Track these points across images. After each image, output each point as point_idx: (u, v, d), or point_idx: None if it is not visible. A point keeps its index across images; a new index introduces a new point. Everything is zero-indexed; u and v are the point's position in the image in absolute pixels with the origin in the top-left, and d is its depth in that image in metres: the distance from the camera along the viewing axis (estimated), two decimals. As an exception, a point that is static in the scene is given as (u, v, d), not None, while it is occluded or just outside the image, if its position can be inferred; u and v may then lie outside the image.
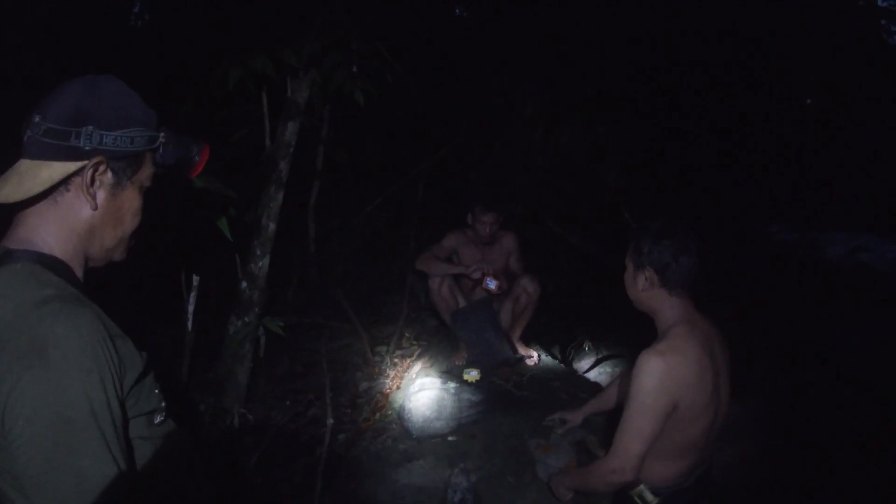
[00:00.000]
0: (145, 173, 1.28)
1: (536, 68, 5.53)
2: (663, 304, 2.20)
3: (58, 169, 1.15)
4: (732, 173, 9.85)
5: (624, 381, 2.66)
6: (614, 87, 5.80)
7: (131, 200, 1.27)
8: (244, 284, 3.49)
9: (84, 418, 1.02)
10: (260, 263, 3.49)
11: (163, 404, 1.27)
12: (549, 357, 4.52)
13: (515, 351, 4.30)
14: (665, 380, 2.02)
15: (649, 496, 2.16)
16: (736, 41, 8.88)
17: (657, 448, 2.11)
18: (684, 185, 8.89)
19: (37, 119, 1.15)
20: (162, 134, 1.28)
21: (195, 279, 3.24)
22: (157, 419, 1.26)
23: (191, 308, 3.34)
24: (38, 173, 1.14)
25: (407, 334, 4.80)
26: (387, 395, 3.95)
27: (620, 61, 5.93)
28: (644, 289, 2.21)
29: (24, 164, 1.16)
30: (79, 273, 1.22)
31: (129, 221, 1.29)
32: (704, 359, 2.06)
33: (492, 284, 4.20)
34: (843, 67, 10.88)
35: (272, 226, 3.50)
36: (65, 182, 1.17)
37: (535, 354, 4.40)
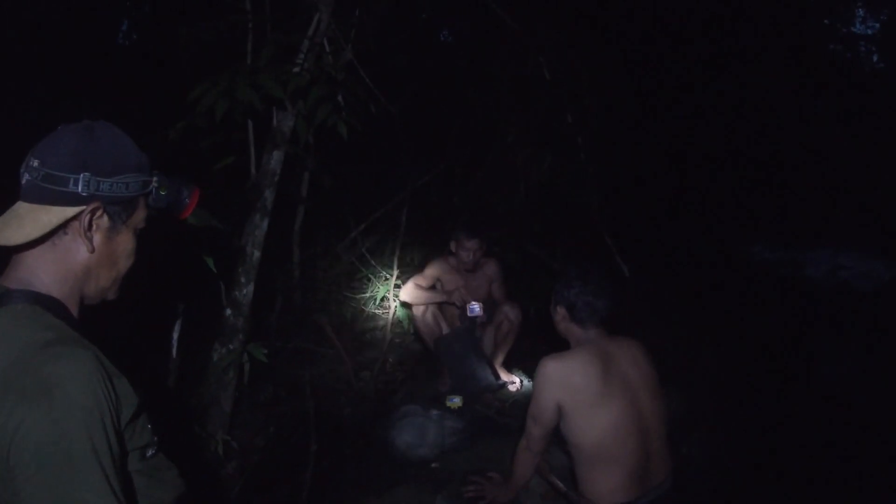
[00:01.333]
0: (139, 216, 1.33)
1: (519, 95, 5.60)
2: (574, 335, 2.64)
3: (56, 213, 1.19)
4: (714, 195, 9.95)
5: None
6: (596, 113, 5.88)
7: (126, 243, 1.32)
8: (228, 312, 3.51)
9: (86, 454, 1.06)
10: (244, 291, 3.51)
11: (154, 438, 1.32)
12: (532, 382, 4.55)
13: (498, 377, 4.32)
14: (549, 378, 2.50)
15: None
16: (717, 65, 9.03)
17: (584, 455, 2.50)
18: (665, 208, 8.98)
19: (35, 164, 1.20)
20: (155, 178, 1.33)
21: (180, 307, 3.25)
22: (149, 453, 1.31)
23: (175, 336, 3.36)
24: (37, 217, 1.19)
25: (390, 360, 4.83)
26: (370, 422, 3.97)
27: (602, 87, 6.02)
28: (559, 321, 2.68)
29: (24, 208, 1.20)
30: (74, 312, 1.26)
31: (124, 262, 1.34)
32: (592, 371, 2.46)
33: (475, 309, 4.23)
34: (823, 91, 11.07)
35: (257, 253, 3.53)
36: (63, 226, 1.21)
37: (517, 380, 4.43)
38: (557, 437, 2.69)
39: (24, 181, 1.21)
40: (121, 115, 1.34)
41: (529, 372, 4.66)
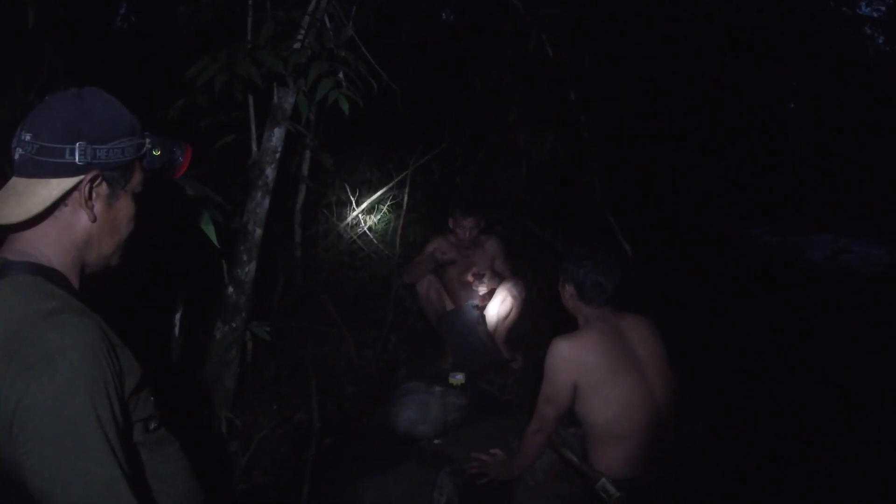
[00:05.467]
0: (136, 180, 1.32)
1: (521, 74, 5.56)
2: (582, 313, 2.66)
3: (56, 186, 1.18)
4: (716, 177, 9.90)
5: None
6: (598, 93, 5.85)
7: (126, 208, 1.31)
8: (231, 290, 3.50)
9: (90, 424, 1.06)
10: (246, 269, 3.50)
11: (158, 411, 1.31)
12: (535, 359, 4.55)
13: (500, 354, 4.33)
14: (563, 358, 2.51)
15: (611, 489, 2.42)
16: (720, 47, 8.95)
17: (598, 431, 2.53)
18: (668, 189, 8.95)
19: (28, 137, 1.17)
20: (148, 140, 1.32)
21: (182, 285, 3.25)
22: (153, 425, 1.30)
23: (178, 315, 3.36)
24: (36, 192, 1.17)
25: (393, 338, 4.83)
26: (373, 399, 3.98)
27: (605, 68, 5.98)
28: (567, 300, 2.70)
29: (21, 183, 1.19)
30: (75, 283, 1.25)
31: (125, 227, 1.33)
32: (604, 348, 2.48)
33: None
34: (826, 74, 10.99)
35: (259, 231, 3.51)
36: (63, 198, 1.20)
37: (519, 357, 4.43)
38: (566, 418, 2.70)
39: (16, 156, 1.19)
40: (121, 99, 1.31)
41: (532, 349, 4.67)
